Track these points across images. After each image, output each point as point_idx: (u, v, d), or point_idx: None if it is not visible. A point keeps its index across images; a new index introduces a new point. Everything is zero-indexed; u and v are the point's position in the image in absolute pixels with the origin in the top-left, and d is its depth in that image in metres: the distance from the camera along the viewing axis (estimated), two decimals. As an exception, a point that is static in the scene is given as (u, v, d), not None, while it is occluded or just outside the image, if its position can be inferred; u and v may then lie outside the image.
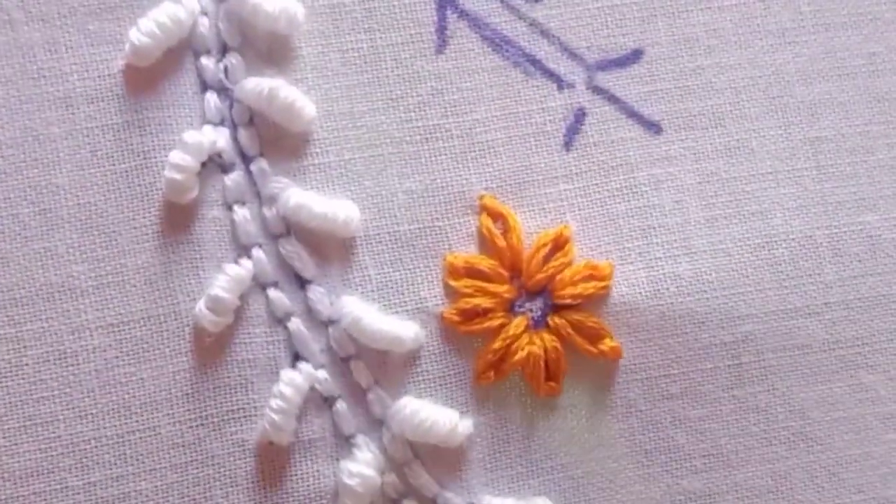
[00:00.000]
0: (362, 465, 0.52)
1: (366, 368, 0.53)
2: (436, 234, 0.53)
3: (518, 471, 0.53)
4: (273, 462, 0.52)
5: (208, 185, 0.52)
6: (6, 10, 0.52)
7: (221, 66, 0.53)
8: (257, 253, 0.52)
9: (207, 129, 0.52)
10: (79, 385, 0.51)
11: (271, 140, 0.53)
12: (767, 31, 0.55)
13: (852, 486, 0.55)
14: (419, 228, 0.53)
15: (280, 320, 0.53)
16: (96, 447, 0.51)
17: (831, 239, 0.55)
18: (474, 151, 0.54)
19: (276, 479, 0.52)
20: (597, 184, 0.54)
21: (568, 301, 0.53)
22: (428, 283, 0.53)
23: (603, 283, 0.53)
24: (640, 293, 0.54)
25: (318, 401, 0.53)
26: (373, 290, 0.53)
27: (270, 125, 0.53)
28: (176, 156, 0.51)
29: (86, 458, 0.51)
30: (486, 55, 0.54)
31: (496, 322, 0.53)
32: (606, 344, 0.53)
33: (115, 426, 0.52)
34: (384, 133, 0.53)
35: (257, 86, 0.52)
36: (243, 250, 0.53)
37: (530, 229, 0.54)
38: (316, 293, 0.53)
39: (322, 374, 0.53)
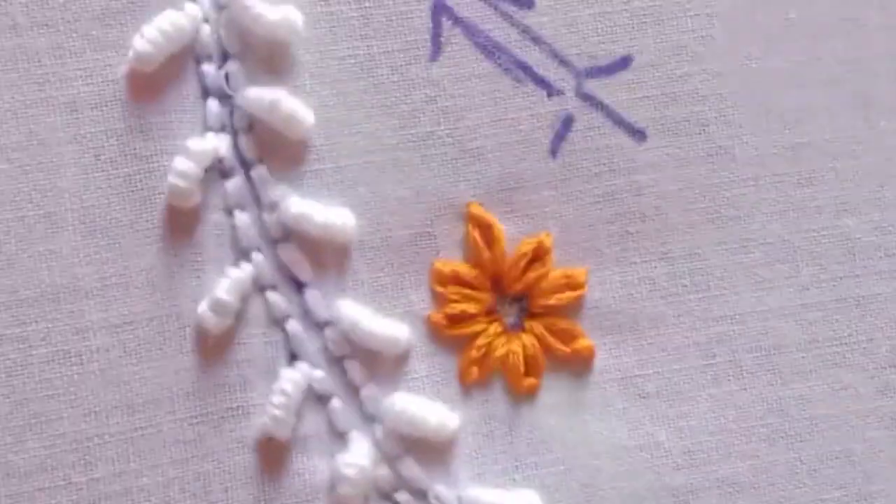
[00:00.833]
0: (358, 456, 0.53)
1: (360, 368, 0.54)
2: (426, 241, 0.54)
3: (504, 465, 0.54)
4: (270, 458, 0.53)
5: (210, 190, 0.53)
6: (11, 16, 0.52)
7: (222, 72, 0.53)
8: (257, 257, 0.53)
9: (210, 136, 0.53)
10: (83, 384, 0.52)
11: (271, 146, 0.53)
12: (754, 38, 0.55)
13: (834, 483, 0.55)
14: (410, 234, 0.54)
15: (278, 322, 0.53)
16: (100, 444, 0.52)
17: (809, 242, 0.55)
18: (465, 158, 0.54)
19: (274, 475, 0.53)
20: (580, 190, 0.55)
21: (543, 311, 0.55)
22: (416, 287, 0.54)
23: (577, 293, 0.54)
24: (614, 297, 0.55)
25: (314, 399, 0.53)
26: (366, 294, 0.54)
27: (270, 132, 0.53)
28: (180, 162, 0.52)
29: (90, 454, 0.52)
30: (479, 62, 0.54)
31: (479, 326, 0.54)
32: (580, 343, 0.55)
33: (119, 424, 0.52)
34: (379, 140, 0.54)
35: (259, 96, 0.52)
36: (243, 254, 0.53)
37: (514, 234, 0.54)
38: (313, 296, 0.53)
39: (318, 373, 0.53)
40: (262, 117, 0.53)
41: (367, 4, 0.54)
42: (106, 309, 0.52)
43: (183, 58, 0.53)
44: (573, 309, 0.55)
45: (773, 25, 0.55)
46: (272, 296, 0.53)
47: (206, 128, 0.53)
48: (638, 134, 0.55)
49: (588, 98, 0.55)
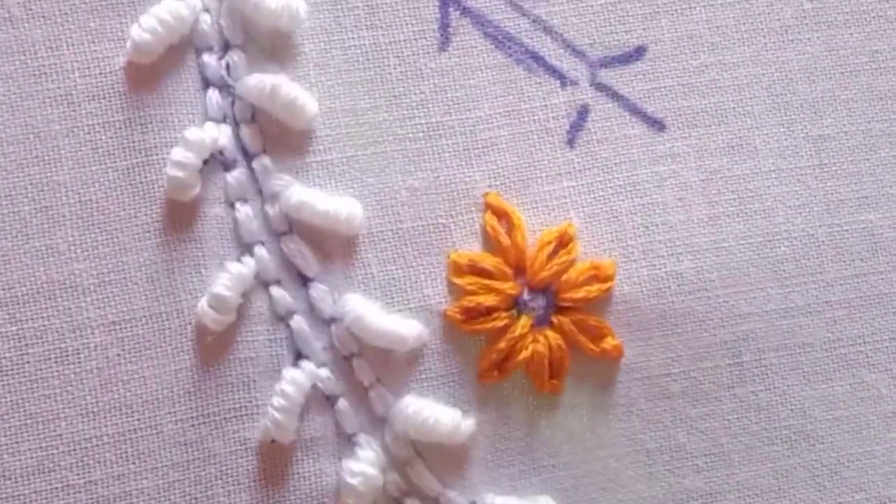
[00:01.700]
0: (364, 463, 0.52)
1: (368, 367, 0.53)
2: (439, 232, 0.54)
3: (520, 469, 0.54)
4: (275, 460, 0.52)
5: (210, 183, 0.52)
6: (7, 8, 0.52)
7: (223, 62, 0.53)
8: (259, 251, 0.53)
9: (209, 125, 0.52)
10: (80, 383, 0.51)
11: (273, 137, 0.53)
12: (770, 29, 0.55)
13: (854, 485, 0.55)
14: (422, 226, 0.53)
15: (282, 318, 0.53)
16: (98, 445, 0.51)
17: (833, 237, 0.55)
18: (477, 148, 0.54)
19: (278, 478, 0.52)
20: (600, 181, 0.54)
21: (572, 304, 0.53)
22: (431, 280, 0.53)
23: (607, 285, 0.53)
24: (642, 291, 0.54)
25: (320, 399, 0.53)
26: (376, 288, 0.53)
27: (272, 122, 0.53)
28: (178, 153, 0.51)
29: (87, 456, 0.51)
30: (489, 52, 0.54)
31: (500, 322, 0.53)
32: (608, 342, 0.54)
33: (117, 424, 0.52)
34: (387, 130, 0.53)
35: (259, 83, 0.52)
36: (246, 248, 0.53)
37: (534, 226, 0.54)
38: (318, 291, 0.53)
39: (324, 372, 0.53)
40: (264, 105, 0.52)
41: (372, -7, 0.54)
42: (104, 306, 0.52)
43: (182, 48, 0.53)
44: (602, 303, 0.54)
45: (787, 16, 0.56)
46: (276, 291, 0.53)
47: (207, 119, 0.53)
48: (656, 124, 0.55)
49: (603, 88, 0.55)
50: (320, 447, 0.53)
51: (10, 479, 0.51)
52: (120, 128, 0.52)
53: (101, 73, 0.52)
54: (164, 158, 0.52)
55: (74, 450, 0.51)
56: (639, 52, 0.55)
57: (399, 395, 0.53)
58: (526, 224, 0.54)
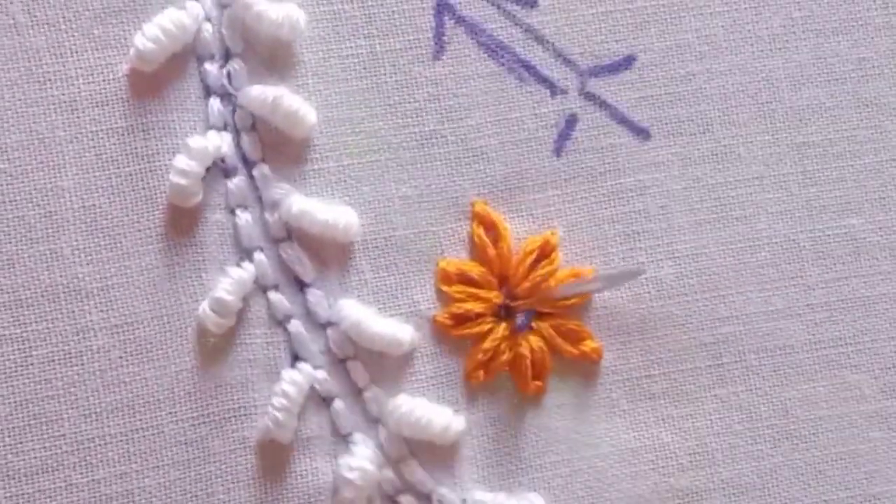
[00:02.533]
0: (361, 459, 0.53)
1: (363, 369, 0.54)
2: (430, 240, 0.54)
3: (508, 468, 0.54)
4: (273, 459, 0.53)
5: (211, 190, 0.53)
6: (12, 15, 0.52)
7: (224, 71, 0.53)
8: (259, 256, 0.53)
9: (212, 134, 0.52)
10: (84, 384, 0.52)
11: (272, 146, 0.53)
12: (758, 37, 0.55)
13: (838, 484, 0.55)
14: (414, 233, 0.54)
15: (280, 322, 0.53)
16: (101, 445, 0.52)
17: (815, 242, 0.55)
18: (468, 157, 0.54)
19: (276, 477, 0.53)
20: (585, 189, 0.55)
21: (551, 310, 0.54)
22: (421, 287, 0.54)
23: (585, 293, 0.54)
24: (622, 297, 0.55)
25: (317, 400, 0.53)
26: (369, 294, 0.54)
27: (272, 131, 0.53)
28: (181, 161, 0.51)
29: (90, 455, 0.52)
30: (482, 61, 0.54)
31: (485, 326, 0.54)
32: (587, 345, 0.54)
33: (120, 425, 0.52)
34: (382, 139, 0.54)
35: (261, 94, 0.52)
36: (245, 253, 0.53)
37: (520, 234, 0.54)
38: (315, 296, 0.53)
39: (321, 374, 0.53)
40: (265, 116, 0.53)
41: (369, 3, 0.54)
42: (107, 309, 0.52)
43: (185, 56, 0.53)
44: (581, 309, 0.54)
45: (775, 25, 0.56)
46: (274, 296, 0.53)
47: (208, 127, 0.53)
48: (642, 133, 0.55)
49: (592, 97, 0.55)
50: (317, 446, 0.53)
51: (14, 478, 0.51)
52: (123, 134, 0.52)
53: (104, 81, 0.52)
54: (166, 165, 0.52)
55: (78, 449, 0.51)
56: (628, 62, 0.55)
57: (392, 396, 0.54)
58: (512, 232, 0.54)
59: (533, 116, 0.54)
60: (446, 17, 0.54)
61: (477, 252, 0.54)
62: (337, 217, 0.53)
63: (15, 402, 0.51)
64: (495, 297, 0.54)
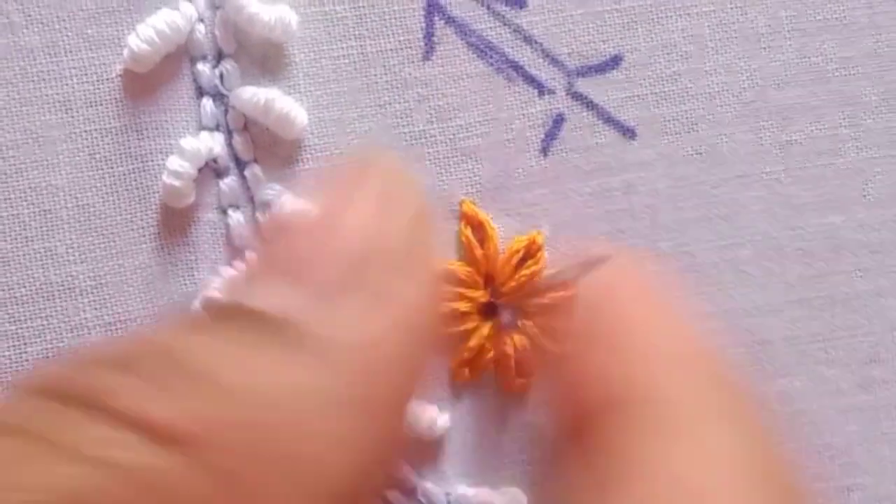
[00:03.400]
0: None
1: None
2: (420, 240, 0.55)
3: (492, 463, 0.55)
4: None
5: (203, 190, 0.53)
6: (6, 14, 0.52)
7: (217, 72, 0.53)
8: (251, 256, 0.53)
9: (205, 135, 0.53)
10: None
11: (264, 146, 0.54)
12: (744, 37, 0.56)
13: (814, 476, 0.56)
14: (403, 234, 0.55)
15: (277, 322, 0.54)
16: None
17: (796, 240, 0.56)
18: (457, 157, 0.55)
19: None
20: (571, 189, 0.55)
21: (536, 310, 0.55)
22: (409, 286, 0.55)
23: (570, 292, 0.54)
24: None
25: None
26: (358, 292, 0.55)
27: (264, 132, 0.53)
28: (174, 162, 0.52)
29: None
30: (472, 61, 0.55)
31: (471, 325, 0.55)
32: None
33: None
34: (372, 139, 0.54)
35: (254, 96, 0.53)
36: (237, 253, 0.53)
37: (506, 234, 0.55)
38: (308, 297, 0.54)
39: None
40: (257, 117, 0.53)
41: (361, 4, 0.54)
42: (100, 307, 0.52)
43: (178, 57, 0.53)
44: (567, 307, 0.55)
45: (761, 25, 0.56)
46: (266, 295, 0.54)
47: (201, 127, 0.53)
48: (628, 132, 0.55)
49: (579, 97, 0.55)
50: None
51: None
52: (117, 134, 0.52)
53: (98, 80, 0.52)
54: (159, 164, 0.52)
55: (74, 446, 0.53)
56: (615, 62, 0.55)
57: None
58: (499, 233, 0.55)
59: (521, 116, 0.55)
60: (436, 18, 0.55)
61: (464, 251, 0.55)
62: (328, 220, 0.53)
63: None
64: (481, 296, 0.55)
